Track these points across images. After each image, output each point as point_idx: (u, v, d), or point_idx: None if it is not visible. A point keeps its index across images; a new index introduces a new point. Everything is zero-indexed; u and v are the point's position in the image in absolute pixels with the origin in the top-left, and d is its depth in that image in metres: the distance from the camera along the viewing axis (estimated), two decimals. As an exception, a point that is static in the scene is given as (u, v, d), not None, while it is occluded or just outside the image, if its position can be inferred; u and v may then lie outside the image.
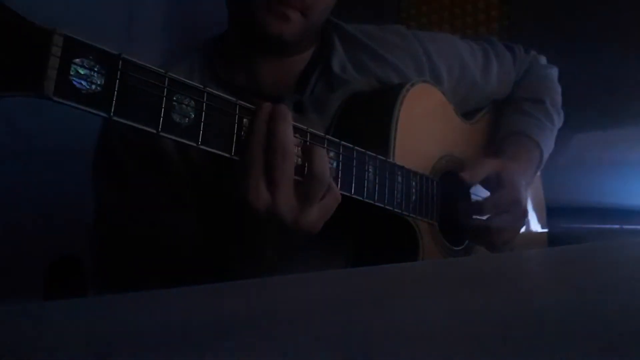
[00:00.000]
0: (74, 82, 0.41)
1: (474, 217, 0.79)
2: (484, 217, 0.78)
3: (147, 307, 0.29)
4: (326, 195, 0.57)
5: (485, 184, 0.81)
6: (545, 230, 1.05)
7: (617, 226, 1.28)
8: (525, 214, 0.82)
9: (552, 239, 1.04)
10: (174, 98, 0.48)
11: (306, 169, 0.56)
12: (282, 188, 0.54)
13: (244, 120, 0.53)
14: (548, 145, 0.93)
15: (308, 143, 0.58)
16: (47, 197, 1.22)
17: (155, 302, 0.30)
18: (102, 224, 0.73)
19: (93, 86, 0.42)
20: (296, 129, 0.57)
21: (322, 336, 0.24)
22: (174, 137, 0.48)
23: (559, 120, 0.97)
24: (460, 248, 0.83)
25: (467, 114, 0.91)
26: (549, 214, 1.06)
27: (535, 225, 1.03)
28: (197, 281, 0.33)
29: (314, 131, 0.59)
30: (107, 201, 0.72)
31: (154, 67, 0.47)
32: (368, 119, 0.74)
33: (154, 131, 0.46)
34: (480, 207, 0.79)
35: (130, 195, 0.70)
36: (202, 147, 0.50)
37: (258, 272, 0.59)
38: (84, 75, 0.42)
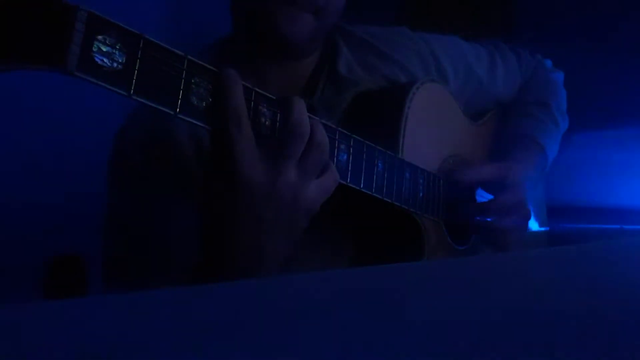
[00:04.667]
0: (96, 59, 0.41)
1: (479, 218, 0.80)
2: (489, 219, 0.79)
3: (147, 307, 0.29)
4: (325, 173, 0.56)
5: (489, 186, 0.82)
6: (546, 228, 1.05)
7: (617, 226, 1.28)
8: (529, 215, 0.82)
9: (552, 239, 1.04)
10: (192, 80, 0.48)
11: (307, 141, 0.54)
12: (284, 161, 0.52)
13: (259, 108, 0.53)
14: (553, 149, 0.94)
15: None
16: (47, 196, 1.22)
17: (156, 302, 0.30)
18: (113, 228, 0.72)
19: (114, 64, 0.42)
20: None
21: (322, 336, 0.24)
22: (191, 120, 0.48)
23: (564, 124, 0.98)
24: (464, 247, 0.83)
25: (473, 116, 0.91)
26: (550, 214, 1.06)
27: (535, 223, 1.03)
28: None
29: (326, 122, 0.59)
30: (120, 206, 0.72)
31: (174, 49, 0.47)
32: (376, 117, 0.74)
33: (172, 112, 0.46)
34: (484, 209, 0.79)
35: (144, 200, 0.69)
36: None
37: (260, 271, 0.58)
38: (106, 52, 0.42)
